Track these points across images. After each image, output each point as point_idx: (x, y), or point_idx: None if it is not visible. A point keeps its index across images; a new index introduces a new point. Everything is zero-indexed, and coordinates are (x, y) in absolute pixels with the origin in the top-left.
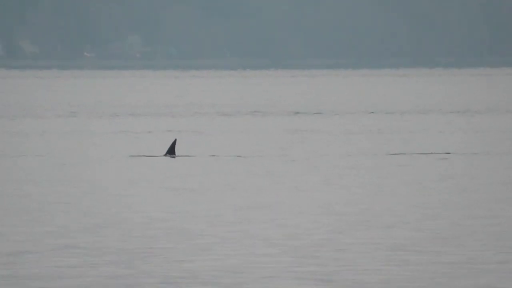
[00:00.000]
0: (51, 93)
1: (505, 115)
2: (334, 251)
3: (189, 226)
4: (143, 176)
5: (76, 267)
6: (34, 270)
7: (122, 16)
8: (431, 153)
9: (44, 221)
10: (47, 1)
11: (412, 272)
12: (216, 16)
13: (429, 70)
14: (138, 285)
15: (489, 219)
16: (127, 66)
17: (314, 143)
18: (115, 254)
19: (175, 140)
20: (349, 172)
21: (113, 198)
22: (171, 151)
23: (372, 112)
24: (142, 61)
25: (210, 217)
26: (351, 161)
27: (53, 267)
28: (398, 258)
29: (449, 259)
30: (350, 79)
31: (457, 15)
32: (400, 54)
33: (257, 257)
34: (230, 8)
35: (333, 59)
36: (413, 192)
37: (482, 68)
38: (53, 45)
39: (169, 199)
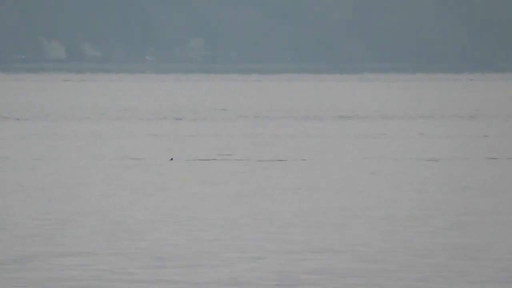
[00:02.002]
0: (108, 97)
1: None
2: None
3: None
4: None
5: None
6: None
7: (184, 20)
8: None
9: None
10: (109, 4)
11: None
12: (278, 21)
13: (491, 74)
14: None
15: None
16: (187, 69)
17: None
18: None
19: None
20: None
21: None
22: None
23: (432, 117)
24: (203, 65)
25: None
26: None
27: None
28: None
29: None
30: (408, 84)
31: None
32: (461, 58)
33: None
34: (292, 13)
35: (394, 64)
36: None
37: None
38: (115, 49)
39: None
